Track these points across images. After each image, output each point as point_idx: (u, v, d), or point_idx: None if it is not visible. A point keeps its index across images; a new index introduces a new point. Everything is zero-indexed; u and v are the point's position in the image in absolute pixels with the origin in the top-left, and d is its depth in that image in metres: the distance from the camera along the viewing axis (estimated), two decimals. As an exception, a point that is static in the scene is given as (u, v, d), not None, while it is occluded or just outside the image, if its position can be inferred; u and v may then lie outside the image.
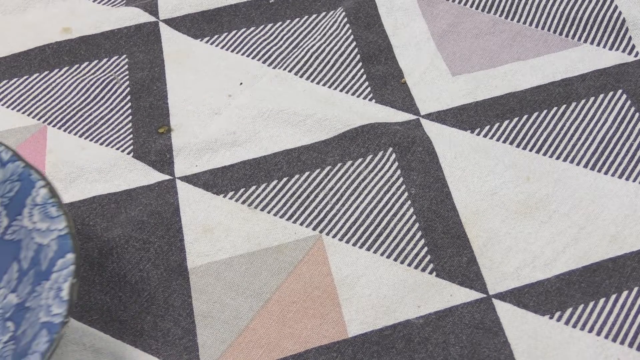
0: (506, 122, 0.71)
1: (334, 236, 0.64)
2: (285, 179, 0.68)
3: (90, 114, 0.74)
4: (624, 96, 0.72)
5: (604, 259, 0.62)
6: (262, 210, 0.66)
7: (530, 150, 0.69)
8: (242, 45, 0.79)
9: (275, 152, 0.70)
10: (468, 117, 0.71)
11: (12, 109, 0.74)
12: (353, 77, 0.75)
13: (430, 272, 0.61)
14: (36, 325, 0.52)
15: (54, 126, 0.73)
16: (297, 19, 0.80)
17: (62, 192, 0.67)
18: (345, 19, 0.79)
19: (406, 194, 0.66)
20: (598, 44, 0.76)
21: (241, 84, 0.75)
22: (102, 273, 0.62)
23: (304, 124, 0.71)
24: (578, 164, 0.68)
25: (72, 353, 0.58)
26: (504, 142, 0.69)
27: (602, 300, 0.59)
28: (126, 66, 0.77)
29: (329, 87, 0.75)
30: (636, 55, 0.75)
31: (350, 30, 0.79)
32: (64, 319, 0.50)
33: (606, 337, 0.58)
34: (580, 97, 0.72)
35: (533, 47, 0.77)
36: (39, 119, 0.74)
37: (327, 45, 0.78)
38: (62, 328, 0.50)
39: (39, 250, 0.56)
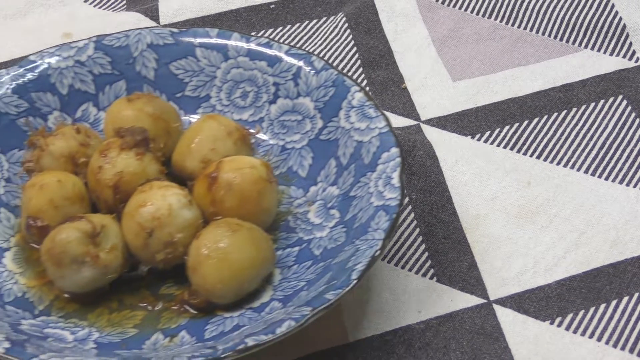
0: (507, 127, 0.71)
1: (334, 241, 0.64)
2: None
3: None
4: (625, 102, 0.72)
5: (604, 264, 0.61)
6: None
7: (531, 155, 0.69)
8: (242, 50, 0.79)
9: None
10: (469, 123, 0.71)
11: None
12: (354, 82, 0.75)
13: (431, 277, 0.61)
14: (369, 209, 0.58)
15: (54, 130, 0.73)
16: (298, 24, 0.81)
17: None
18: (346, 24, 0.80)
19: (407, 198, 0.66)
20: (599, 50, 0.77)
21: (242, 88, 0.75)
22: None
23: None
24: (579, 169, 0.68)
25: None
26: (505, 147, 0.69)
27: (602, 306, 0.59)
28: (127, 71, 0.77)
29: (330, 92, 0.75)
30: (637, 61, 0.75)
31: (350, 36, 0.79)
32: (399, 202, 0.57)
33: (607, 342, 0.57)
34: (581, 103, 0.72)
35: (533, 53, 0.77)
36: (39, 124, 0.74)
37: (328, 50, 0.78)
38: (399, 209, 0.57)
39: (359, 147, 0.62)
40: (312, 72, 0.66)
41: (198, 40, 0.69)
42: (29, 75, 0.67)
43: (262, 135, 0.67)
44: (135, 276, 0.60)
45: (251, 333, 0.52)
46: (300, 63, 0.67)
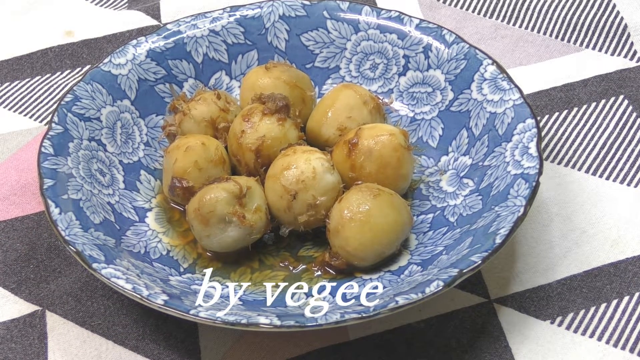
0: (508, 127, 0.71)
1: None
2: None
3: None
4: (626, 102, 0.72)
5: (605, 263, 0.62)
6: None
7: (532, 155, 0.69)
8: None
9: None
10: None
11: (14, 111, 0.75)
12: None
13: (432, 276, 0.61)
14: (507, 177, 0.60)
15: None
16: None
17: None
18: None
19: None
20: (600, 50, 0.77)
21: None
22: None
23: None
24: (580, 168, 0.68)
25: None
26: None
27: (603, 306, 0.59)
28: (128, 69, 0.77)
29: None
30: (638, 61, 0.75)
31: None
32: (538, 170, 0.58)
33: (607, 342, 0.58)
34: (582, 103, 0.72)
35: (535, 53, 0.77)
36: (40, 122, 0.74)
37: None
38: (538, 177, 0.58)
39: (492, 118, 0.64)
40: (443, 45, 0.68)
41: (329, 13, 0.71)
42: (166, 43, 0.70)
43: (391, 106, 0.69)
44: (277, 238, 0.62)
45: (399, 292, 0.53)
46: (431, 36, 0.69)
